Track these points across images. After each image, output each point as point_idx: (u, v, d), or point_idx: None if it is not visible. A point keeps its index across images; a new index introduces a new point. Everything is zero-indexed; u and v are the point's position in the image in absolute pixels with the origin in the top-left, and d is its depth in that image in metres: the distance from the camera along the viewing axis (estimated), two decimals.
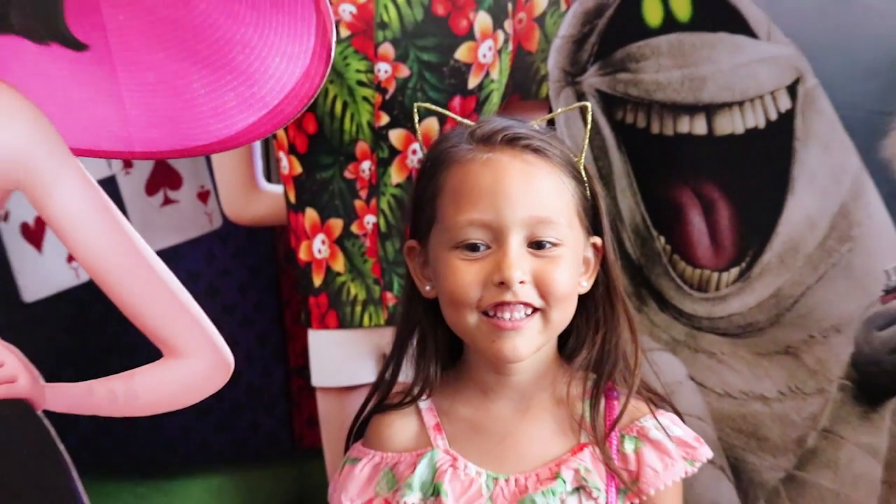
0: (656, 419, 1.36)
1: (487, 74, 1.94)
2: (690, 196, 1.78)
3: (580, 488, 1.33)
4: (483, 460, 1.34)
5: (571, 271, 1.33)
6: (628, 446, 1.35)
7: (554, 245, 1.31)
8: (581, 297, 1.36)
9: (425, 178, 1.36)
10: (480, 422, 1.37)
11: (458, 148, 1.34)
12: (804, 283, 1.74)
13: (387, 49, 1.89)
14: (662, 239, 1.81)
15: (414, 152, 1.93)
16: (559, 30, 1.85)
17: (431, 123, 1.89)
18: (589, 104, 1.40)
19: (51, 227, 1.48)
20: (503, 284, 1.28)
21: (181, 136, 1.53)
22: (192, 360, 1.48)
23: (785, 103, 1.72)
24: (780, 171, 1.73)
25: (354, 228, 1.96)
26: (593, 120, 1.44)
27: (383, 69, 1.90)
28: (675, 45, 1.75)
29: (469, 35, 1.92)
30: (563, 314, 1.33)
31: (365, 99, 1.91)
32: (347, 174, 1.95)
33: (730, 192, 1.76)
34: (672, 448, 1.35)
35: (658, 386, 1.41)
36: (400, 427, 1.38)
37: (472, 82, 1.93)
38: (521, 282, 1.29)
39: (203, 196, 2.17)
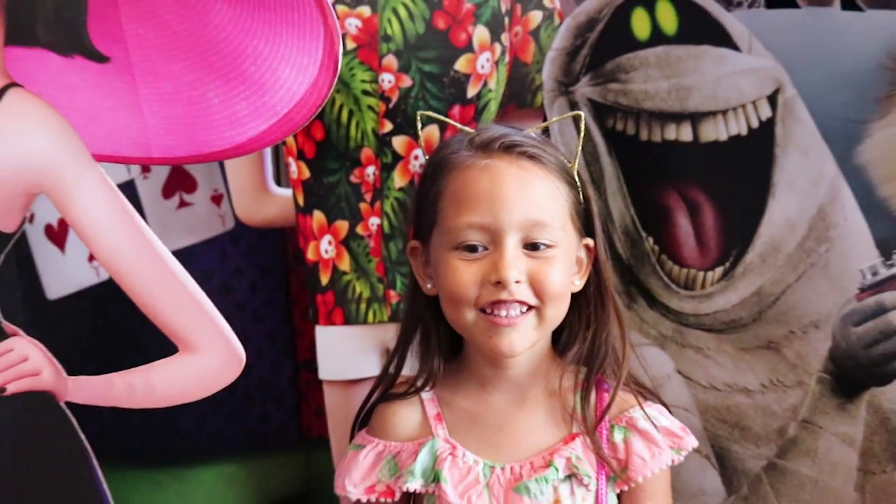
0: (644, 410, 1.38)
1: (485, 84, 1.94)
2: (677, 199, 1.79)
3: (572, 476, 1.35)
4: (481, 449, 1.36)
5: (565, 271, 1.34)
6: (617, 436, 1.37)
7: (548, 246, 1.32)
8: (574, 295, 1.37)
9: (427, 183, 1.38)
10: (479, 413, 1.38)
11: (457, 154, 1.36)
12: (785, 282, 1.76)
13: (390, 60, 1.90)
14: (651, 240, 1.82)
15: (416, 158, 1.94)
16: (553, 42, 1.86)
17: (433, 130, 1.90)
18: (581, 113, 1.42)
19: (73, 229, 1.50)
20: (500, 284, 1.30)
21: (196, 142, 1.56)
22: (205, 355, 1.50)
23: (766, 112, 1.75)
24: (762, 176, 1.75)
25: (359, 230, 1.96)
26: (586, 128, 1.46)
27: (387, 79, 1.90)
28: (662, 57, 1.77)
29: (468, 47, 1.92)
30: (557, 312, 1.35)
31: (370, 107, 1.91)
32: (353, 178, 1.95)
33: (714, 195, 1.78)
34: (659, 438, 1.37)
35: (646, 379, 1.43)
36: (404, 416, 1.39)
37: (471, 92, 1.93)
38: (517, 281, 1.30)
39: (217, 199, 2.17)
